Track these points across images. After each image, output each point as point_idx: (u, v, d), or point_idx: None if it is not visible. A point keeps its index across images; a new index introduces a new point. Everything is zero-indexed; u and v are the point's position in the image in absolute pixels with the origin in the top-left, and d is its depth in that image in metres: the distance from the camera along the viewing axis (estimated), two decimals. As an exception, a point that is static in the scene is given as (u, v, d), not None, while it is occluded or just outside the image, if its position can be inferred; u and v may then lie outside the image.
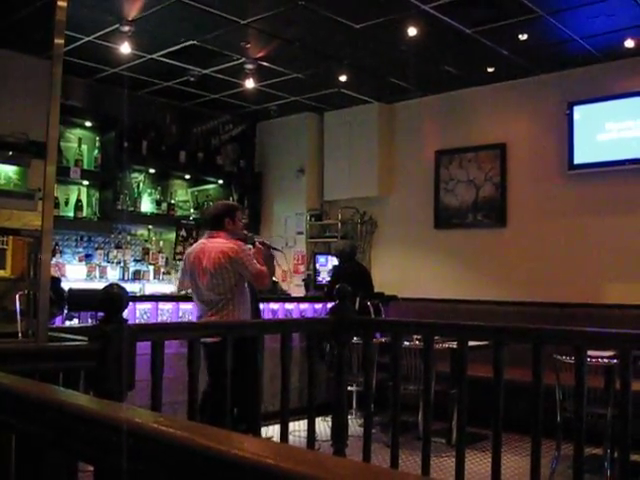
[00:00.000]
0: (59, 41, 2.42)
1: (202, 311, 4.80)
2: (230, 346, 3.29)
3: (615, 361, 4.53)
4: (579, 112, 7.00)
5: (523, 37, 6.26)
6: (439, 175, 8.13)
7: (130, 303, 5.51)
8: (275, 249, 5.51)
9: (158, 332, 3.05)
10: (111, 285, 2.42)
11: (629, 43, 6.33)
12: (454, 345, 5.27)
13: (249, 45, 6.61)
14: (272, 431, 5.29)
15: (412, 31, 6.10)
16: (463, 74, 7.42)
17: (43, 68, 2.76)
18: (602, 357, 4.59)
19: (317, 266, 8.60)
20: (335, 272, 7.70)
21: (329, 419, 5.88)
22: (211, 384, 4.46)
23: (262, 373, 3.56)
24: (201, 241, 4.96)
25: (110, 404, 1.28)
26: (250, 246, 4.95)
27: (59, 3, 2.35)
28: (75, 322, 5.38)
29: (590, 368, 3.23)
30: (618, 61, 6.76)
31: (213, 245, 4.75)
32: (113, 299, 2.33)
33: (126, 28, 6.05)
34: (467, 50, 6.67)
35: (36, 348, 2.13)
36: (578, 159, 7.00)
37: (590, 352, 3.72)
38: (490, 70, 7.26)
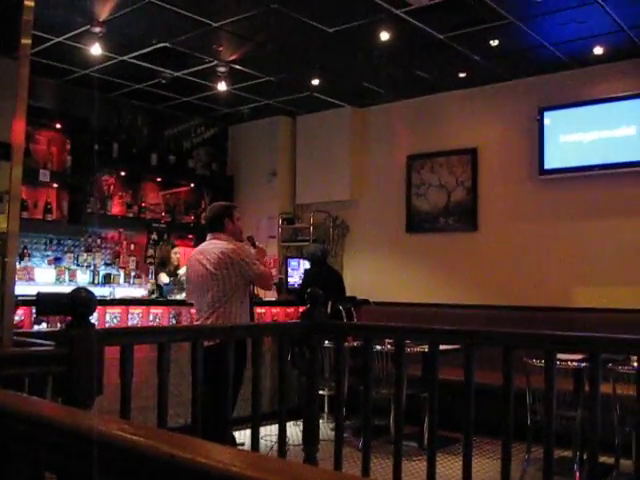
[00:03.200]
0: (26, 41, 2.38)
1: (199, 313, 4.67)
2: (201, 350, 3.26)
3: (584, 364, 4.57)
4: (549, 117, 7.07)
5: (494, 43, 6.31)
6: (411, 179, 8.16)
7: (100, 307, 5.46)
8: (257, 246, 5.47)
9: (126, 336, 3.01)
10: (79, 289, 2.38)
11: (598, 50, 6.41)
12: (425, 349, 5.28)
13: (221, 48, 6.59)
14: (243, 436, 5.26)
15: (385, 36, 6.11)
16: (435, 79, 7.46)
17: (11, 68, 2.72)
18: (571, 360, 4.63)
19: (289, 270, 8.58)
20: (307, 276, 7.69)
21: (300, 423, 5.88)
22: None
23: (236, 381, 3.53)
24: (202, 244, 4.86)
25: (74, 411, 1.25)
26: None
27: (26, 3, 2.31)
28: (44, 326, 5.30)
29: (560, 371, 3.25)
30: (588, 67, 6.85)
31: (214, 246, 4.64)
32: (80, 303, 2.29)
33: (97, 29, 5.99)
34: (439, 55, 6.71)
35: (1, 353, 2.09)
36: (548, 164, 7.06)
37: (560, 355, 3.75)
38: (462, 75, 7.30)
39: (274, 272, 8.79)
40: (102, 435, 0.97)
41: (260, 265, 4.71)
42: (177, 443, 0.91)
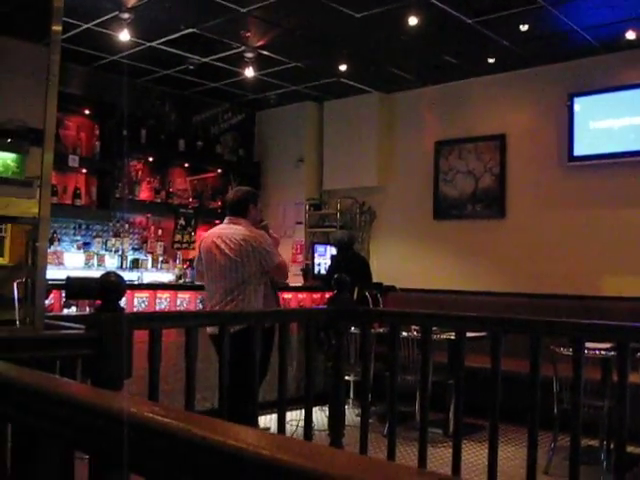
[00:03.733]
0: (57, 27, 2.40)
1: (215, 299, 4.55)
2: (227, 336, 3.29)
3: (612, 353, 4.53)
4: (579, 104, 6.99)
5: (524, 28, 6.23)
6: (438, 166, 8.11)
7: (128, 292, 5.51)
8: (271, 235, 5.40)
9: (155, 321, 3.05)
10: (108, 273, 2.41)
11: (630, 35, 6.30)
12: (452, 336, 5.27)
13: (249, 33, 6.59)
14: (269, 421, 5.30)
15: (412, 20, 6.06)
16: (463, 64, 7.40)
17: (41, 55, 2.74)
18: (599, 349, 4.60)
19: (316, 256, 8.59)
20: (333, 262, 7.69)
21: (326, 409, 5.90)
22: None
23: (262, 367, 3.55)
24: (219, 226, 4.77)
25: (105, 393, 1.28)
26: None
27: (57, -11, 2.33)
28: (73, 310, 5.38)
29: (587, 360, 3.24)
30: (619, 53, 6.74)
31: (234, 231, 4.53)
32: (110, 287, 2.32)
33: (125, 15, 6.03)
34: (467, 40, 6.65)
35: (33, 336, 2.13)
36: (578, 151, 6.98)
37: (587, 344, 3.72)
38: (490, 61, 7.23)
39: (300, 258, 8.83)
40: (133, 417, 0.99)
41: (279, 255, 4.65)
42: (208, 426, 0.92)
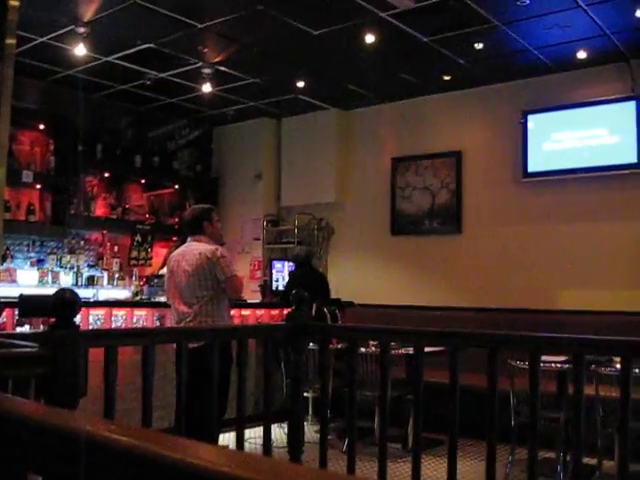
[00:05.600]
0: (11, 41, 2.36)
1: (180, 317, 4.67)
2: (185, 352, 3.25)
3: (567, 366, 4.60)
4: (533, 121, 7.12)
5: (479, 46, 6.35)
6: (395, 182, 8.18)
7: (83, 309, 5.42)
8: None
9: (111, 338, 3.00)
10: (63, 290, 2.37)
11: (582, 54, 6.46)
12: (409, 351, 5.29)
13: (206, 49, 6.58)
14: (227, 439, 5.24)
15: (370, 38, 6.13)
16: (420, 82, 7.48)
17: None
18: (555, 362, 4.66)
19: (273, 272, 8.57)
20: (291, 278, 7.68)
21: (285, 426, 5.86)
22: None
23: (223, 384, 3.52)
24: (183, 246, 4.89)
25: (61, 412, 1.24)
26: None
27: (11, 2, 2.30)
28: (26, 328, 5.26)
29: (543, 373, 3.27)
30: (571, 71, 6.90)
31: (193, 248, 4.69)
32: (65, 304, 2.27)
33: (81, 29, 5.96)
34: (424, 58, 6.74)
35: (-16, 355, 2.07)
36: (532, 167, 7.11)
37: (543, 357, 3.76)
38: (446, 78, 7.33)
39: (258, 274, 8.79)
40: (90, 436, 0.97)
41: (233, 270, 4.72)
42: (167, 443, 0.91)
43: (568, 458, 4.89)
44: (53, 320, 2.38)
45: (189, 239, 4.84)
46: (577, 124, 6.88)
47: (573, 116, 6.91)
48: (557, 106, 7.01)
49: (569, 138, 6.94)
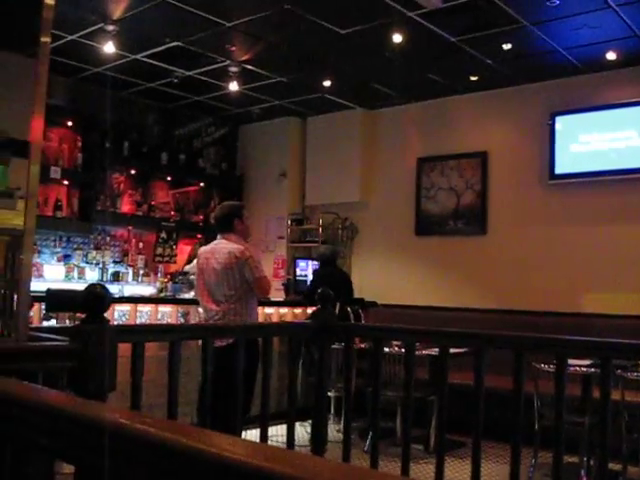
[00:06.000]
0: (45, 39, 2.39)
1: (209, 314, 4.71)
2: (211, 349, 3.27)
3: (592, 370, 4.56)
4: (561, 122, 7.06)
5: (507, 47, 6.31)
6: (420, 182, 8.16)
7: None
8: None
9: (139, 334, 3.03)
10: (94, 285, 2.39)
11: (611, 55, 6.40)
12: (433, 352, 5.28)
13: (234, 48, 6.60)
14: (251, 436, 5.26)
15: (397, 38, 6.11)
16: (446, 82, 7.46)
17: (26, 66, 2.73)
18: (580, 366, 4.63)
19: (297, 271, 8.58)
20: (315, 277, 7.69)
21: (307, 424, 5.88)
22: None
23: (249, 381, 3.53)
24: (213, 243, 4.91)
25: (94, 404, 1.26)
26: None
27: (46, 1, 2.32)
28: (53, 322, 5.32)
29: (568, 376, 3.25)
30: (600, 73, 6.83)
31: (223, 246, 4.71)
32: (96, 299, 2.30)
33: (110, 27, 6.02)
34: (451, 58, 6.71)
35: (16, 347, 2.10)
36: (559, 169, 7.05)
37: (568, 360, 3.74)
38: (473, 79, 7.30)
39: (282, 272, 8.81)
40: (124, 428, 0.98)
41: (261, 270, 4.74)
42: (199, 437, 0.92)
43: (592, 463, 4.85)
44: (80, 315, 2.41)
45: (219, 236, 4.85)
46: (605, 126, 6.82)
47: (601, 118, 6.85)
48: (585, 107, 6.95)
49: (597, 140, 6.88)
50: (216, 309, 4.65)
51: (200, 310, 5.08)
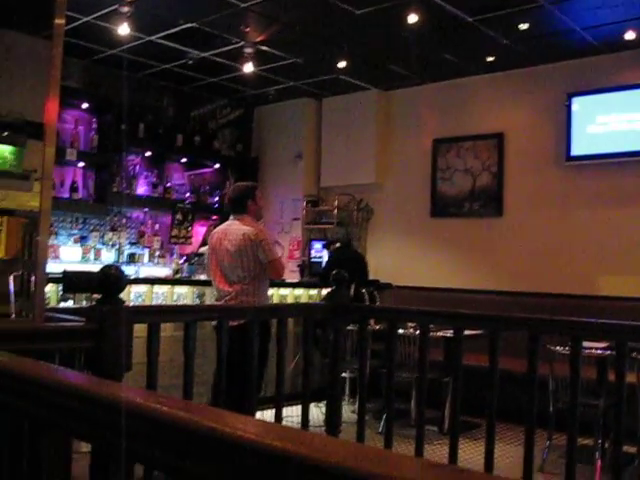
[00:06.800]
0: (60, 21, 2.39)
1: (221, 295, 4.75)
2: (226, 330, 3.29)
3: (608, 352, 4.55)
4: (578, 103, 7.00)
5: (524, 26, 6.24)
6: (436, 163, 8.12)
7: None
8: (277, 242, 5.68)
9: (155, 314, 3.05)
10: (109, 266, 2.41)
11: (630, 35, 6.31)
12: (448, 334, 5.28)
13: (248, 29, 6.58)
14: (265, 416, 5.30)
15: (412, 18, 6.06)
16: (462, 62, 7.40)
17: (41, 48, 2.73)
18: (595, 348, 4.61)
19: (312, 252, 8.59)
20: (330, 258, 7.70)
21: (322, 405, 5.91)
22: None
23: (261, 360, 3.56)
24: (225, 223, 4.94)
25: (111, 384, 1.28)
26: None
27: (60, -18, 2.32)
28: (70, 304, 5.37)
29: (583, 359, 3.24)
30: (618, 53, 6.75)
31: (237, 227, 4.73)
32: (111, 280, 2.32)
33: (125, 9, 6.01)
34: (467, 38, 6.65)
35: (33, 328, 2.12)
36: (575, 150, 6.99)
37: (583, 343, 3.73)
38: (490, 59, 7.24)
39: (297, 254, 8.83)
40: (140, 407, 0.99)
41: (276, 252, 4.78)
42: (214, 416, 0.93)
43: (606, 445, 4.85)
44: (97, 296, 2.43)
45: (232, 217, 4.88)
46: (623, 107, 6.74)
47: (619, 99, 6.77)
48: (603, 88, 6.87)
49: (615, 121, 6.81)
50: (229, 290, 4.68)
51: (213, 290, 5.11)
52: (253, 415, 3.61)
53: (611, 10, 5.80)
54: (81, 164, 7.67)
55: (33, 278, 2.41)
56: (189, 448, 0.95)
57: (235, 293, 4.65)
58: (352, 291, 6.30)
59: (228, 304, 4.58)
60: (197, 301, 6.22)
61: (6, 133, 6.12)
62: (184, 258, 8.27)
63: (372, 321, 5.74)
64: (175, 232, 8.32)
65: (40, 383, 1.26)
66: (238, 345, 3.32)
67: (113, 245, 7.83)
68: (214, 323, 4.26)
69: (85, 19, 6.35)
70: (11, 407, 1.38)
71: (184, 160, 8.82)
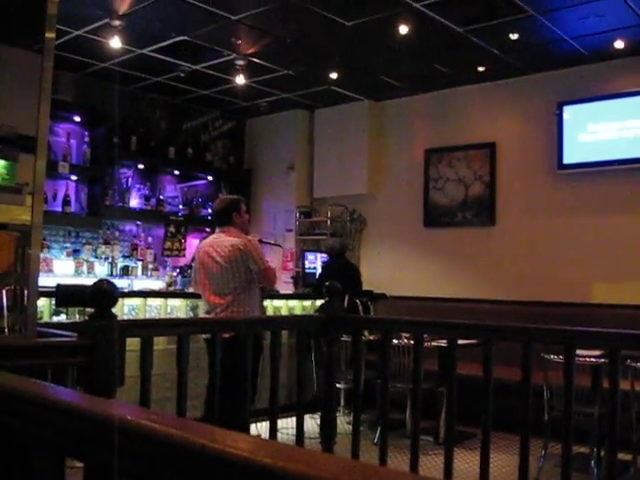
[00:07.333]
0: (50, 35, 2.40)
1: (211, 307, 4.75)
2: (219, 343, 3.28)
3: (602, 360, 4.55)
4: (569, 112, 7.03)
5: (514, 36, 6.27)
6: (428, 173, 8.14)
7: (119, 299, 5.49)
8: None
9: (148, 328, 3.04)
10: (101, 281, 2.41)
11: (619, 44, 6.35)
12: (442, 343, 5.28)
13: (240, 41, 6.59)
14: (260, 428, 5.28)
15: (403, 29, 6.09)
16: (453, 73, 7.43)
17: (32, 61, 2.73)
18: (589, 356, 4.61)
19: (306, 263, 8.59)
20: (324, 269, 7.70)
21: (316, 416, 5.89)
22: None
23: (253, 371, 3.55)
24: (211, 236, 4.97)
25: (101, 400, 1.27)
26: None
27: (50, -3, 2.33)
28: (63, 318, 5.35)
29: (577, 367, 3.24)
30: (608, 61, 6.79)
31: (224, 239, 4.75)
32: (103, 295, 2.31)
33: (116, 22, 6.01)
34: (458, 49, 6.68)
35: (25, 343, 2.11)
36: (567, 159, 7.02)
37: (577, 351, 3.74)
38: (480, 69, 7.27)
39: (291, 265, 8.82)
40: (130, 424, 0.99)
41: (266, 262, 4.78)
42: (205, 433, 0.92)
43: (602, 453, 4.85)
44: (90, 310, 2.42)
45: (217, 230, 4.93)
46: (614, 115, 6.78)
47: (610, 107, 6.81)
48: (593, 97, 6.91)
49: (605, 129, 6.84)
50: (219, 302, 4.68)
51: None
52: (247, 427, 3.60)
53: (600, 19, 5.84)
54: (73, 177, 7.66)
55: (26, 292, 2.40)
56: (180, 465, 0.94)
57: (226, 304, 4.66)
58: (346, 302, 6.31)
59: (219, 316, 4.57)
60: (191, 313, 6.21)
61: (-2, 147, 6.12)
62: (177, 270, 8.26)
63: (366, 332, 5.73)
64: (168, 244, 8.31)
65: (30, 401, 1.26)
66: (229, 357, 3.32)
67: (106, 258, 7.81)
68: (205, 336, 4.26)
69: (76, 33, 6.36)
70: (3, 425, 1.37)
71: (177, 172, 8.82)
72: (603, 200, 6.86)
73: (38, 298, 2.59)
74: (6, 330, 3.22)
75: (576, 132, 7.00)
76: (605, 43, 6.37)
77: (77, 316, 5.31)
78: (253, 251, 4.67)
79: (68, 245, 7.63)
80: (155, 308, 6.08)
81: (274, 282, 5.00)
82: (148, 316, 5.95)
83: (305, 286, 8.32)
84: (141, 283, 7.91)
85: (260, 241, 5.20)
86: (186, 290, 7.41)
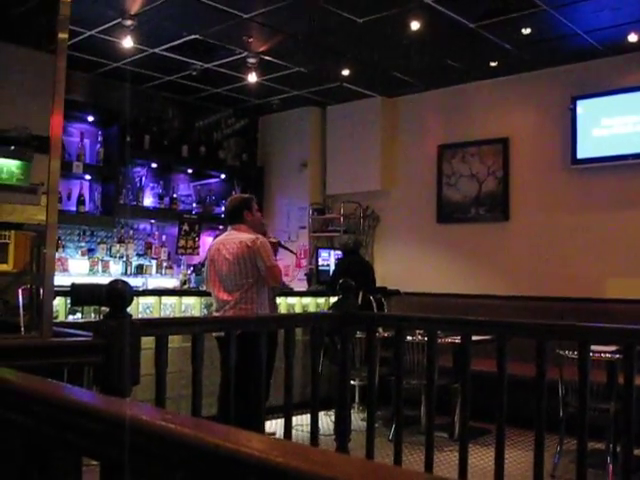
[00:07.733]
0: (63, 35, 2.41)
1: (220, 304, 4.78)
2: (233, 341, 3.29)
3: (617, 356, 4.53)
4: (582, 106, 6.99)
5: (526, 31, 6.24)
6: (442, 169, 8.12)
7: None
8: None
9: (163, 327, 3.05)
10: (116, 280, 2.42)
11: (632, 37, 6.31)
12: (456, 340, 5.27)
13: (252, 39, 6.60)
14: (275, 425, 5.30)
15: (415, 25, 6.08)
16: (466, 68, 7.40)
17: (45, 62, 2.75)
18: (604, 352, 4.59)
19: (320, 260, 8.59)
20: (338, 266, 7.70)
21: (331, 413, 5.91)
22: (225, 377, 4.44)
23: (268, 367, 3.55)
24: (223, 234, 5.03)
25: (116, 400, 1.28)
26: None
27: (63, -2, 2.34)
28: (78, 317, 5.39)
29: (592, 363, 3.23)
30: (622, 55, 6.74)
31: (234, 236, 4.81)
32: (118, 294, 2.33)
33: (128, 22, 6.04)
34: (470, 44, 6.65)
35: (41, 343, 2.13)
36: (581, 153, 6.98)
37: (592, 347, 3.72)
38: (493, 64, 7.24)
39: (304, 262, 8.83)
40: (146, 425, 1.00)
41: (274, 260, 4.80)
42: (219, 433, 0.93)
43: (618, 449, 4.82)
44: (104, 309, 2.44)
45: (229, 228, 4.97)
46: (628, 109, 6.73)
47: (624, 101, 6.76)
48: (607, 91, 6.86)
49: (619, 124, 6.80)
50: (228, 299, 4.71)
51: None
52: (262, 425, 3.61)
53: (613, 13, 5.80)
54: (87, 177, 7.70)
55: (41, 291, 2.42)
56: (195, 464, 0.95)
57: (234, 301, 4.69)
58: (360, 299, 6.31)
59: (228, 313, 4.61)
60: (205, 311, 6.23)
61: (12, 148, 6.16)
62: (191, 268, 8.29)
63: (380, 328, 5.73)
64: (182, 243, 8.33)
65: (46, 401, 1.27)
66: (240, 353, 3.32)
67: (121, 257, 7.85)
68: (215, 334, 4.28)
69: (89, 33, 6.39)
70: (20, 425, 1.39)
71: (190, 171, 8.85)
72: (618, 195, 6.82)
73: (54, 297, 2.61)
74: (22, 329, 3.25)
75: (590, 126, 6.96)
76: (619, 37, 6.32)
77: (92, 315, 5.34)
78: (261, 248, 4.69)
79: (83, 244, 7.67)
80: (170, 306, 6.10)
81: (279, 281, 5.01)
82: (163, 314, 5.98)
83: (319, 283, 8.32)
84: (155, 281, 7.94)
85: (279, 244, 5.25)
86: (200, 288, 7.42)
